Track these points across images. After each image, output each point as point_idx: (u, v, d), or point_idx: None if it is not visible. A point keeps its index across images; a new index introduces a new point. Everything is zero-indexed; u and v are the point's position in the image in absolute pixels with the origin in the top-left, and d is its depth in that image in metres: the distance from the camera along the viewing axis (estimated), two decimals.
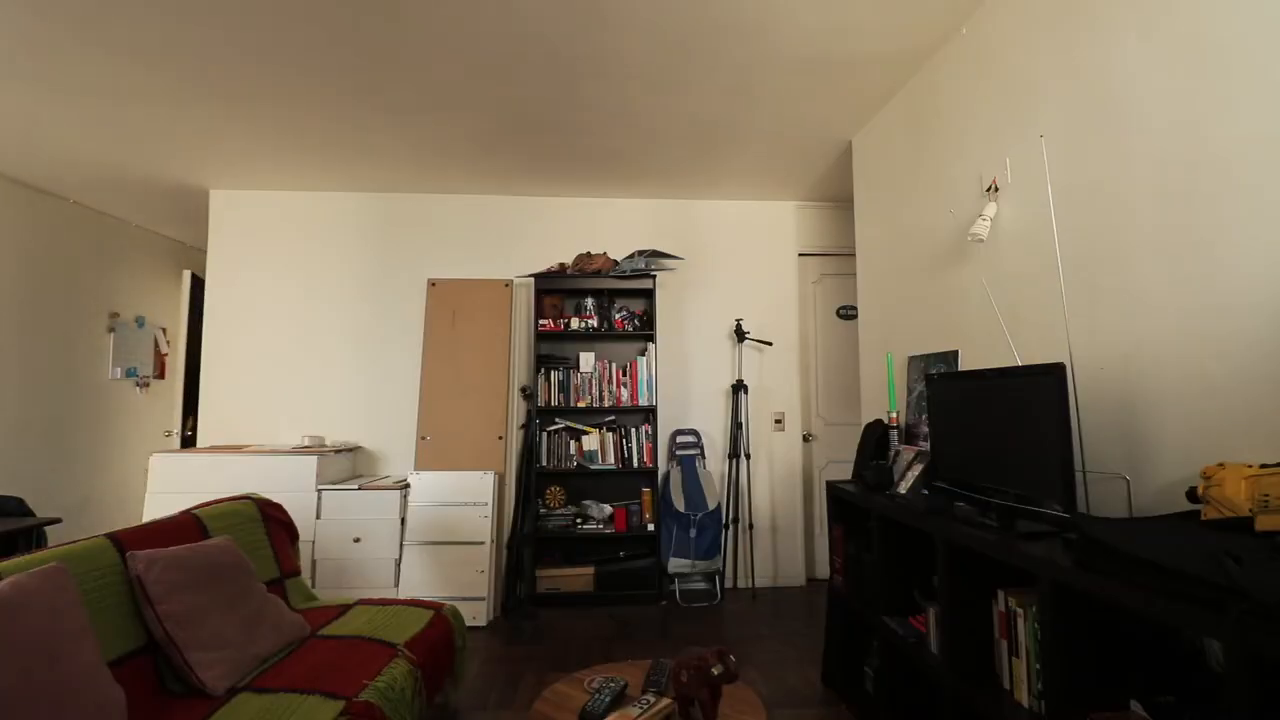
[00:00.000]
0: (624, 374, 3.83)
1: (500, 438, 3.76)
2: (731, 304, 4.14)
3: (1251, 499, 1.10)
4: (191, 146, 3.32)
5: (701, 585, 3.89)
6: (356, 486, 3.41)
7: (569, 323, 3.84)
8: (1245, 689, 0.87)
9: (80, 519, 3.98)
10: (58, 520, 2.78)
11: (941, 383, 1.96)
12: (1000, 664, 1.58)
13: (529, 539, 3.57)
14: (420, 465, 3.66)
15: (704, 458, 3.95)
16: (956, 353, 2.30)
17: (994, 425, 1.68)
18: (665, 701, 1.56)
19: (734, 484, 3.93)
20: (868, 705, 2.29)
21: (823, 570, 4.08)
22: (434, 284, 3.95)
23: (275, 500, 2.52)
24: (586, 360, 3.86)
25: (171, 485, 3.25)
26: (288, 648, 1.93)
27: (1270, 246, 1.24)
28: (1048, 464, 1.45)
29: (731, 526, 3.92)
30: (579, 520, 3.74)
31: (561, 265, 3.91)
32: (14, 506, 2.82)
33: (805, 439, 4.17)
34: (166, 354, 4.94)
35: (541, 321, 3.79)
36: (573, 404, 3.79)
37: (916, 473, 2.06)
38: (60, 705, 1.26)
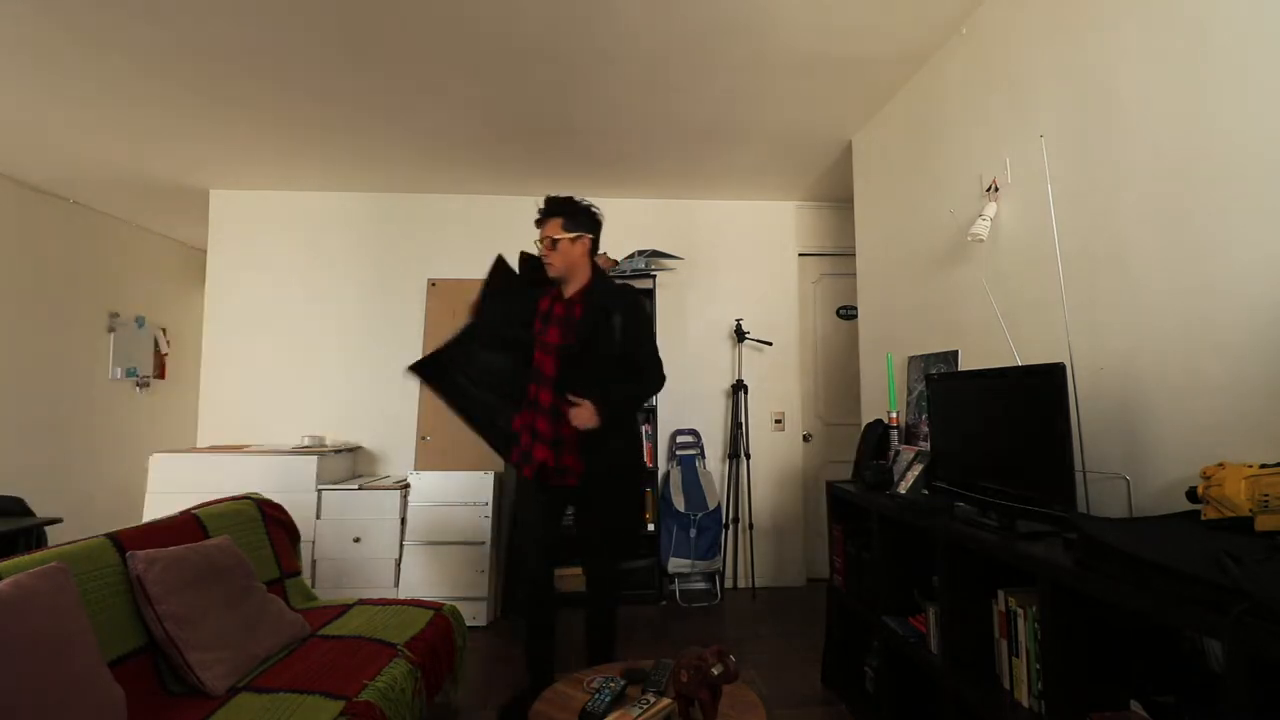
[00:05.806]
0: None
1: None
2: (731, 304, 4.14)
3: (1251, 499, 1.10)
4: (191, 146, 3.32)
5: (701, 585, 3.89)
6: (356, 486, 3.40)
7: None
8: (1245, 689, 0.87)
9: (80, 519, 3.97)
10: (58, 520, 2.77)
11: (941, 383, 1.96)
12: (1000, 664, 1.58)
13: None
14: (420, 465, 3.66)
15: (704, 458, 3.95)
16: (956, 353, 2.30)
17: (994, 425, 1.68)
18: (665, 701, 1.56)
19: (734, 484, 3.93)
20: (868, 705, 2.29)
21: (823, 570, 4.06)
22: (434, 284, 3.95)
23: (275, 500, 2.52)
24: None
25: (171, 485, 3.25)
26: (288, 648, 1.93)
27: (1270, 246, 1.24)
28: (1048, 464, 1.45)
29: (731, 526, 3.92)
30: None
31: None
32: (14, 506, 2.81)
33: (805, 439, 4.16)
34: (167, 354, 4.94)
35: None
36: None
37: (916, 473, 2.05)
38: (60, 705, 1.26)
